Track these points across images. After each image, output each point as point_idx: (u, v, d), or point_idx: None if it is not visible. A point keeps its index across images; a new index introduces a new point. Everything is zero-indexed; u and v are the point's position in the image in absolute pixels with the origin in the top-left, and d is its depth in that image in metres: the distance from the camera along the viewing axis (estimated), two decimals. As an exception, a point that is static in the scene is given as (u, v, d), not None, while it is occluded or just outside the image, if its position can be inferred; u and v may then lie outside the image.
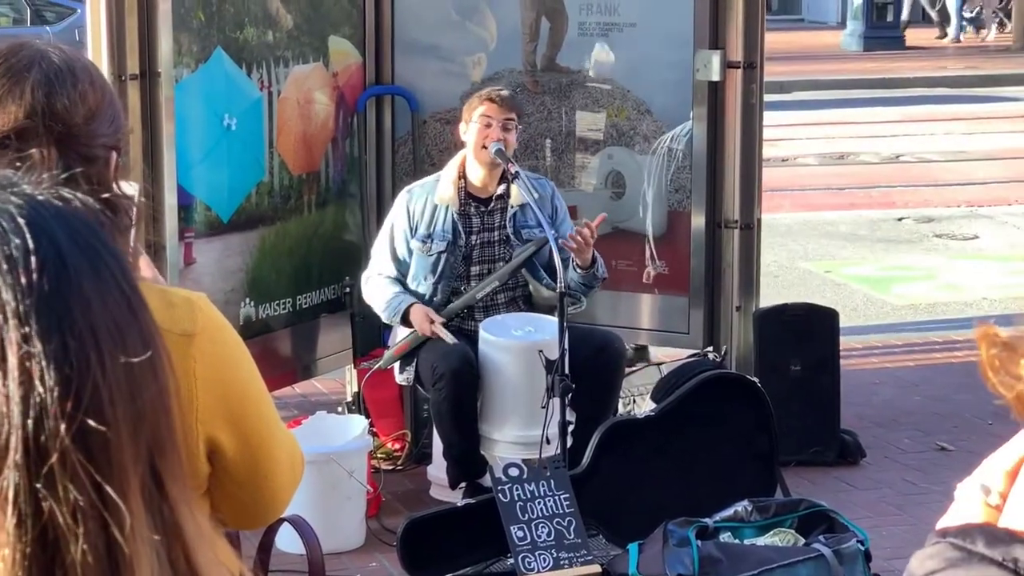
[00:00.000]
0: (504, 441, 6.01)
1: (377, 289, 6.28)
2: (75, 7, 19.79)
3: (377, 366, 6.37)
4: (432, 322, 6.10)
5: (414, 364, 6.19)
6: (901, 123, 18.43)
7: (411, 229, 6.25)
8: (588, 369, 5.79)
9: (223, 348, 2.20)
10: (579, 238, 5.96)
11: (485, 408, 6.08)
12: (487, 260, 6.30)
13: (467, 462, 6.08)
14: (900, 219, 12.84)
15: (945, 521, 1.31)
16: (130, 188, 2.26)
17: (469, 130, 6.19)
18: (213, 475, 2.22)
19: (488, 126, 6.15)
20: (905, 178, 14.78)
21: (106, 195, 2.16)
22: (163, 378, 1.12)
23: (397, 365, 6.29)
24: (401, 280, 6.28)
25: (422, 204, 6.25)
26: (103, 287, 1.10)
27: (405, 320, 6.17)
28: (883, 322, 9.53)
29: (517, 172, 6.11)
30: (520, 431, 5.98)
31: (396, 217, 6.29)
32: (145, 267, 2.39)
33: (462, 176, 6.26)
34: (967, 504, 1.32)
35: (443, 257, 6.23)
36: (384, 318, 6.29)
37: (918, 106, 19.85)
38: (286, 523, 2.95)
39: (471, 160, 6.24)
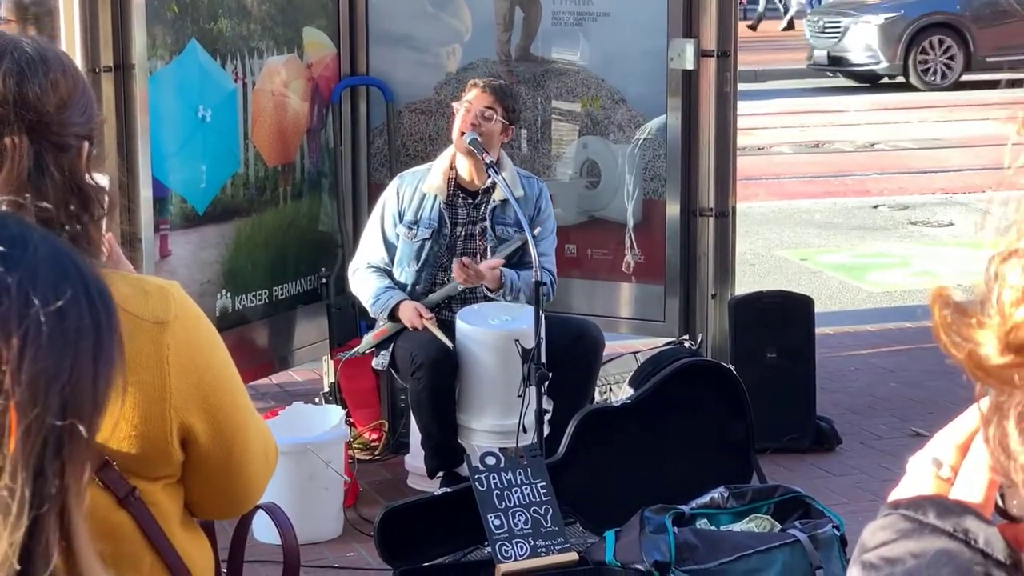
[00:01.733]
0: (481, 430, 6.02)
1: (364, 282, 6.26)
2: None
3: (355, 351, 6.38)
4: (422, 316, 6.08)
5: (390, 349, 6.19)
6: (875, 111, 18.49)
7: (399, 214, 6.25)
8: (565, 358, 5.80)
9: (196, 336, 2.21)
10: (467, 271, 5.97)
11: (462, 397, 6.08)
12: (469, 252, 6.29)
13: (445, 451, 6.08)
14: (875, 207, 12.88)
15: (897, 493, 1.32)
16: (103, 179, 2.26)
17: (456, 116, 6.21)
18: (187, 463, 2.23)
19: (467, 112, 6.15)
20: (880, 166, 14.83)
21: (78, 184, 2.17)
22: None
23: (371, 340, 6.30)
24: (388, 271, 6.26)
25: (411, 191, 6.24)
26: None
27: (393, 316, 6.14)
28: (858, 309, 9.56)
29: (491, 163, 6.10)
30: (497, 420, 5.99)
31: (387, 201, 6.30)
32: (116, 256, 2.39)
33: (453, 166, 6.26)
34: (919, 477, 1.34)
35: (427, 245, 6.23)
36: (372, 312, 6.26)
37: (892, 94, 19.91)
38: (262, 513, 2.94)
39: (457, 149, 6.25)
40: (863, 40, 20.73)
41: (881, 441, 6.85)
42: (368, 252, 6.32)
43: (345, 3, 7.21)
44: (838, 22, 21.10)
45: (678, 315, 6.85)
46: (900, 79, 20.52)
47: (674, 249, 6.83)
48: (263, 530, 5.17)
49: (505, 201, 6.19)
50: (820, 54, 20.89)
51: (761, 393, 6.27)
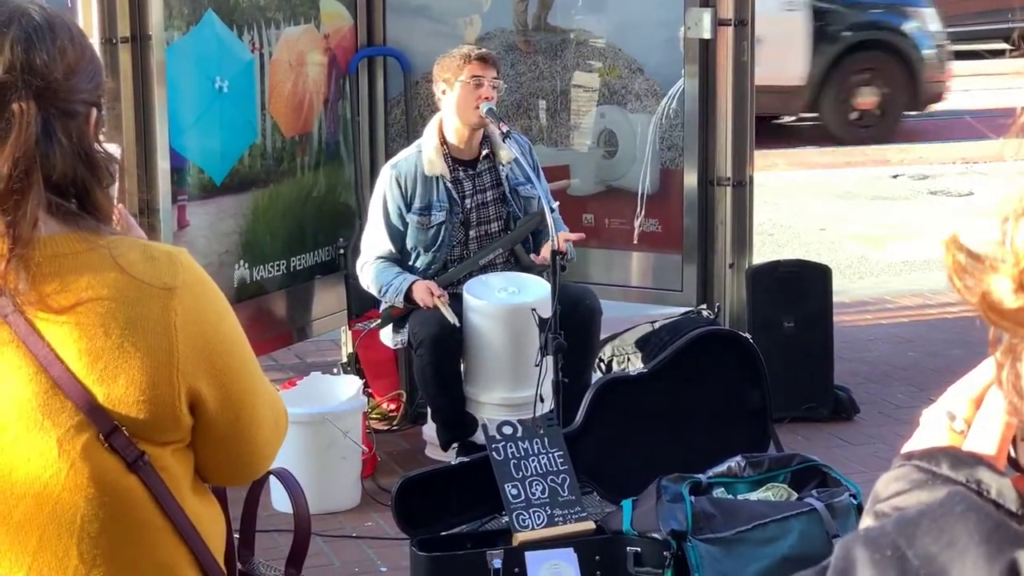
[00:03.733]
0: (490, 403, 6.03)
1: (374, 274, 6.20)
2: None
3: (374, 325, 6.38)
4: (433, 294, 6.06)
5: (406, 329, 6.18)
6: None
7: (406, 204, 6.20)
8: (564, 325, 5.76)
9: (204, 302, 2.21)
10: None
11: (471, 371, 6.09)
12: (484, 222, 6.29)
13: (456, 424, 6.10)
14: (895, 176, 12.85)
15: (910, 446, 1.33)
16: (113, 147, 2.27)
17: (455, 91, 6.15)
18: (196, 428, 2.23)
19: (479, 86, 6.12)
20: (899, 135, 14.78)
21: (86, 151, 2.18)
22: None
23: (390, 328, 6.28)
24: (398, 259, 6.24)
25: (412, 177, 6.19)
26: None
27: (408, 299, 6.12)
28: (877, 278, 9.54)
29: (508, 131, 6.10)
30: (506, 393, 5.99)
31: (387, 195, 6.21)
32: (128, 223, 2.40)
33: (443, 142, 6.23)
34: (932, 430, 1.34)
35: (443, 227, 6.20)
36: (386, 300, 6.22)
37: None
38: (278, 483, 2.96)
39: (454, 122, 6.19)
40: None
41: (899, 410, 6.84)
42: (374, 246, 6.26)
43: (362, -27, 7.20)
44: None
45: (696, 284, 6.84)
46: None
47: (692, 218, 6.82)
48: (280, 499, 5.19)
49: (511, 162, 6.20)
50: None
51: (778, 362, 6.27)
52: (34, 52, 2.14)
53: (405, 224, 6.20)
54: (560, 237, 5.83)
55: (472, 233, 6.28)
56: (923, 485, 1.24)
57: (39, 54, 2.14)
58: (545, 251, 5.85)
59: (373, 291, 6.25)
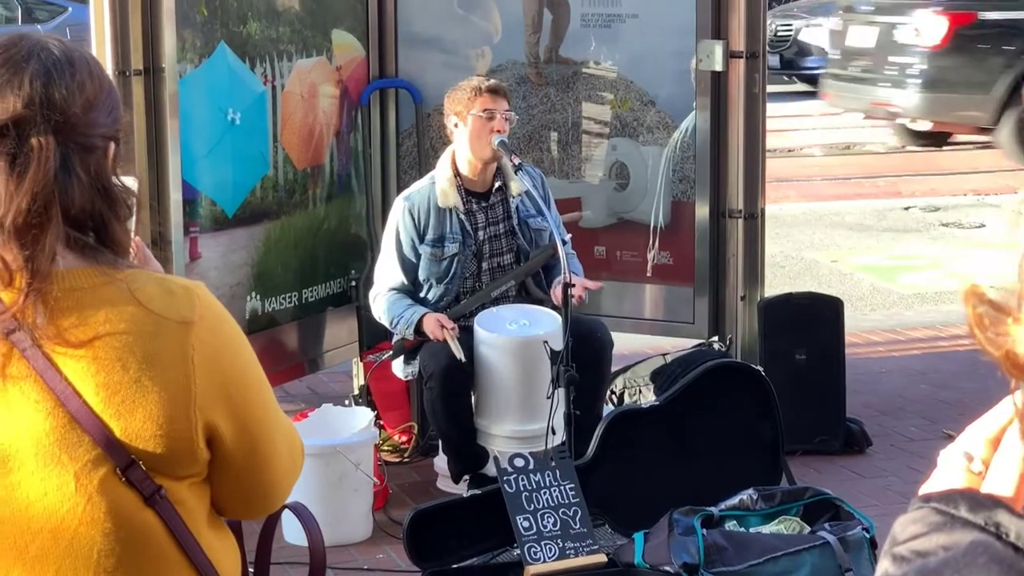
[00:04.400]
0: (501, 436, 6.02)
1: (386, 305, 6.19)
2: (66, 5, 19.90)
3: (385, 357, 6.37)
4: (443, 327, 6.04)
5: (417, 361, 6.18)
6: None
7: (419, 236, 6.21)
8: (576, 358, 5.75)
9: (221, 336, 2.22)
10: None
11: (481, 403, 6.09)
12: (496, 254, 6.30)
13: (466, 456, 6.10)
14: (906, 208, 12.85)
15: (928, 487, 1.32)
16: (130, 180, 2.28)
17: (467, 125, 6.16)
18: (212, 462, 2.24)
19: (492, 118, 6.13)
20: (911, 167, 14.79)
21: (104, 185, 2.19)
22: None
23: (401, 360, 6.28)
24: (411, 292, 6.24)
25: (425, 209, 6.20)
26: None
27: (419, 331, 6.10)
28: (889, 311, 9.54)
29: (520, 164, 6.11)
30: (518, 425, 5.99)
31: (400, 226, 6.21)
32: (145, 257, 2.41)
33: (457, 174, 6.24)
34: (950, 471, 1.33)
35: (456, 259, 6.21)
36: (397, 332, 6.21)
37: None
38: (292, 516, 2.96)
39: (466, 155, 6.20)
40: (815, 43, 20.61)
41: (912, 443, 6.83)
42: (387, 278, 6.25)
43: (374, 5, 7.22)
44: (789, 25, 21.01)
45: (707, 317, 6.84)
46: None
47: (703, 251, 6.83)
48: (293, 532, 5.19)
49: (522, 195, 6.21)
50: (772, 59, 20.53)
51: (791, 395, 6.27)
52: (53, 87, 2.15)
53: (418, 256, 6.21)
54: (579, 285, 5.82)
55: (484, 265, 6.29)
56: (941, 528, 1.23)
57: (58, 89, 2.15)
58: (558, 290, 5.83)
59: (385, 322, 6.25)
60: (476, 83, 6.23)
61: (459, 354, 5.93)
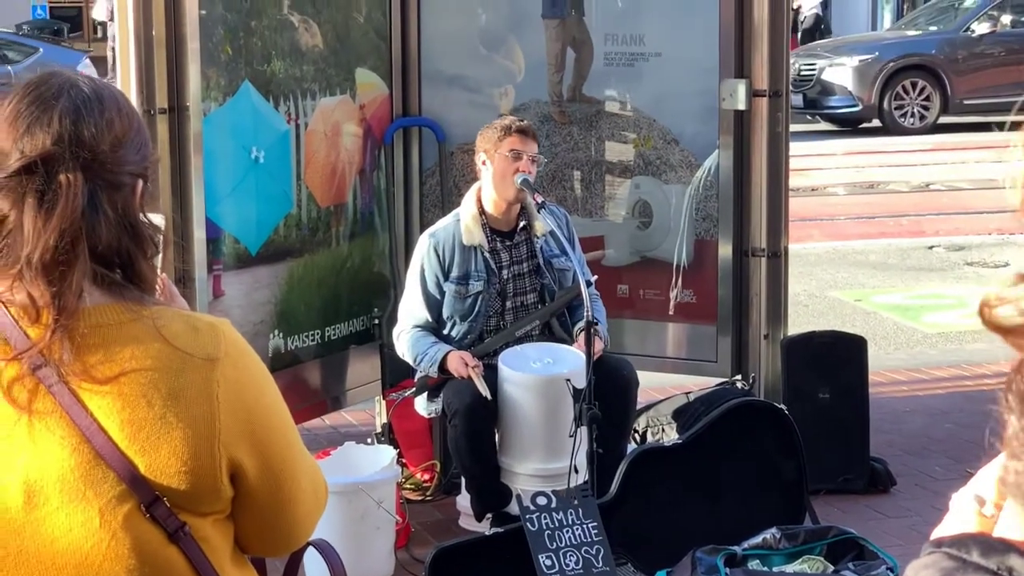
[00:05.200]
0: (525, 474, 6.01)
1: (410, 343, 6.21)
2: (38, 46, 20.08)
3: (408, 394, 6.38)
4: (468, 365, 6.05)
5: (440, 399, 6.18)
6: (931, 152, 18.42)
7: (443, 273, 6.23)
8: (601, 396, 5.75)
9: (246, 373, 2.23)
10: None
11: (505, 441, 6.08)
12: (520, 293, 6.31)
13: (490, 494, 6.09)
14: (930, 247, 12.83)
15: (940, 531, 1.32)
16: (157, 218, 2.29)
17: (493, 163, 6.18)
18: (236, 499, 2.24)
19: (518, 159, 6.15)
20: (935, 206, 14.78)
21: (132, 223, 2.20)
22: None
23: (424, 397, 6.28)
24: (435, 329, 6.26)
25: (450, 247, 6.22)
26: None
27: (443, 368, 6.11)
28: (913, 350, 9.52)
29: (543, 203, 6.12)
30: (541, 464, 5.98)
31: (425, 263, 6.24)
32: (171, 294, 2.42)
33: (482, 212, 6.26)
34: (962, 514, 1.33)
35: (480, 297, 6.22)
36: (421, 370, 6.22)
37: (948, 135, 19.83)
38: (313, 553, 2.96)
39: (491, 193, 6.22)
40: (838, 82, 20.67)
41: (936, 483, 6.81)
42: (412, 315, 6.27)
43: (398, 44, 7.26)
44: (812, 64, 21.07)
45: (730, 355, 6.84)
46: (876, 122, 20.46)
47: (726, 289, 6.83)
48: (316, 569, 5.18)
49: (546, 235, 6.23)
50: (795, 97, 20.46)
51: (814, 434, 6.26)
52: (82, 124, 2.17)
53: (442, 293, 6.22)
54: (596, 345, 5.81)
55: (508, 304, 6.30)
56: (954, 573, 1.23)
57: (87, 126, 2.17)
58: (581, 338, 5.82)
59: (408, 360, 6.26)
60: (508, 123, 6.26)
61: (485, 391, 5.94)
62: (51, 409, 2.15)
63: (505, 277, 6.28)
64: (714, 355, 6.90)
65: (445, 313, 6.25)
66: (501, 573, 5.32)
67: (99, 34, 26.04)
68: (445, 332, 6.25)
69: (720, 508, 5.67)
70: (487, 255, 6.22)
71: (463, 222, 6.22)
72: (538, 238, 6.29)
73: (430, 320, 6.23)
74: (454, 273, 6.21)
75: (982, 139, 18.77)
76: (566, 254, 6.20)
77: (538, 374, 5.98)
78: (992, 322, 1.20)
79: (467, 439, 5.99)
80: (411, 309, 6.28)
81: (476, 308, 6.23)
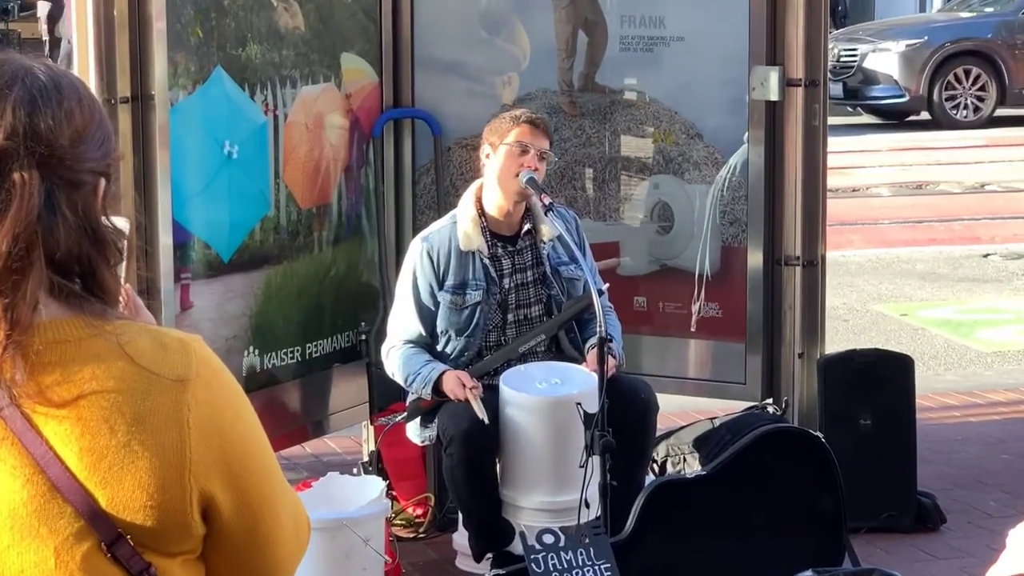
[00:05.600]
0: (530, 508, 6.00)
1: (401, 360, 6.21)
2: None
3: (399, 419, 6.38)
4: (465, 386, 6.04)
5: (435, 425, 6.18)
6: (986, 148, 18.43)
7: (438, 282, 6.23)
8: (615, 421, 5.74)
9: (220, 395, 2.22)
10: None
11: (508, 471, 6.07)
12: (523, 305, 6.30)
13: (490, 532, 6.08)
14: (985, 255, 12.84)
15: (997, 569, 1.33)
16: (121, 221, 2.29)
17: (497, 156, 6.19)
18: (208, 537, 2.24)
19: (524, 152, 6.15)
20: (991, 210, 14.79)
21: (93, 226, 2.20)
22: None
23: (417, 422, 6.28)
24: (429, 345, 6.25)
25: (445, 252, 6.21)
26: None
27: (437, 390, 6.10)
28: (966, 371, 9.52)
29: (551, 204, 6.13)
30: (548, 496, 5.97)
31: (417, 270, 6.24)
32: (136, 307, 2.42)
33: (482, 213, 6.27)
34: (1019, 552, 1.34)
35: (479, 308, 6.21)
36: (413, 391, 6.22)
37: (1006, 129, 19.83)
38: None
39: (494, 191, 6.22)
40: (883, 70, 20.63)
41: (991, 520, 6.82)
42: (403, 329, 6.27)
43: (388, 27, 7.27)
44: (854, 50, 21.01)
45: (760, 376, 6.84)
46: (925, 115, 20.43)
47: (756, 302, 6.83)
48: (293, 615, 5.18)
49: (553, 239, 6.22)
50: (835, 87, 20.35)
51: (854, 465, 6.27)
52: (38, 116, 2.16)
53: (436, 304, 6.21)
54: (609, 365, 5.80)
55: (510, 317, 6.30)
56: None
57: (44, 118, 2.16)
58: (592, 355, 5.83)
59: (399, 379, 6.26)
60: (518, 113, 6.28)
61: (482, 414, 5.93)
62: (1, 436, 2.15)
63: (507, 286, 6.28)
64: (742, 376, 6.90)
65: (439, 327, 6.24)
66: (503, 620, 5.33)
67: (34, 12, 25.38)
68: (440, 348, 6.24)
69: (748, 548, 5.67)
70: (486, 261, 6.22)
71: (460, 225, 6.23)
72: (544, 244, 6.29)
73: (423, 334, 6.23)
74: (449, 281, 6.21)
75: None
76: (576, 261, 6.19)
77: (544, 395, 5.98)
78: None
79: (465, 469, 5.98)
80: (402, 322, 6.28)
81: (474, 321, 6.23)
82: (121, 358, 2.17)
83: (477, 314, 6.22)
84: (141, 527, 2.17)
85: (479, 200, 6.25)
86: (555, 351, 6.34)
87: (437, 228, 6.32)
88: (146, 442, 2.15)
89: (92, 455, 2.14)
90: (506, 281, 6.28)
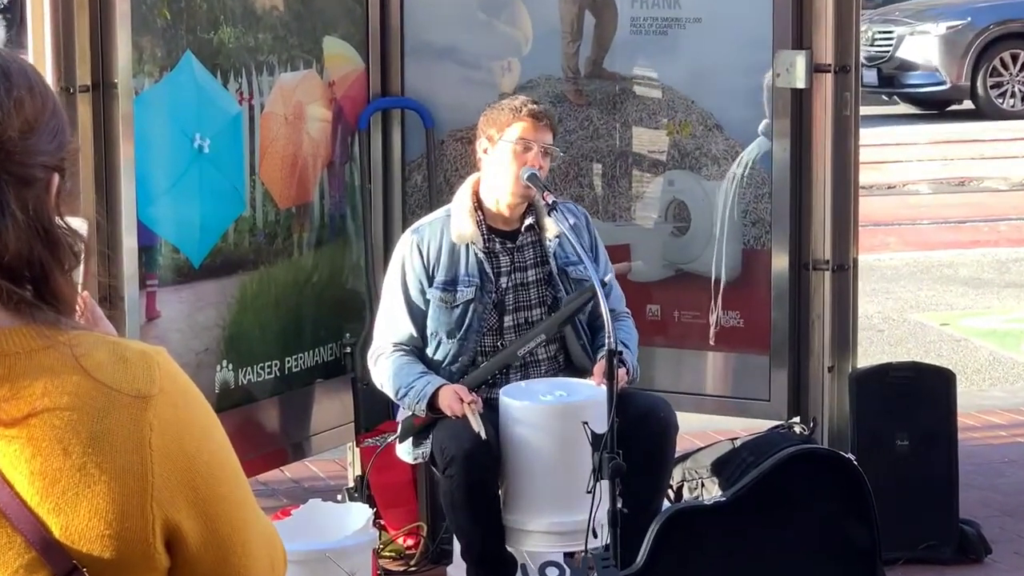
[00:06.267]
0: (537, 531, 6.00)
1: (392, 370, 6.19)
2: None
3: (391, 439, 6.37)
4: (463, 401, 6.02)
5: (430, 440, 6.17)
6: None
7: (428, 277, 6.22)
8: (631, 441, 5.73)
9: (186, 413, 2.22)
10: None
11: (511, 493, 6.06)
12: (523, 307, 6.29)
13: (491, 563, 6.07)
14: (1034, 259, 12.85)
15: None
16: (77, 222, 2.29)
17: (497, 150, 6.19)
18: (174, 570, 2.24)
19: (527, 149, 6.15)
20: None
21: (45, 227, 2.20)
22: None
23: (409, 440, 6.27)
24: (420, 349, 6.25)
25: (437, 245, 6.22)
26: None
27: (432, 406, 6.08)
28: (1013, 386, 9.52)
29: (555, 203, 6.12)
30: (556, 517, 5.97)
31: (407, 264, 6.24)
32: (94, 316, 2.42)
33: (478, 207, 6.27)
34: None
35: (471, 307, 6.20)
36: (405, 406, 6.20)
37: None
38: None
39: (492, 190, 6.22)
40: (921, 55, 20.62)
41: (1040, 551, 6.83)
42: (391, 331, 6.26)
43: (376, 9, 7.26)
44: (889, 33, 21.00)
45: (786, 392, 6.84)
46: (968, 104, 20.43)
47: (781, 311, 6.83)
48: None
49: (559, 236, 6.21)
50: (869, 73, 20.21)
51: (890, 490, 6.27)
52: (-15, 105, 2.17)
53: (427, 302, 6.21)
54: (619, 376, 5.78)
55: (508, 320, 6.29)
56: None
57: (-10, 108, 2.17)
58: (599, 369, 5.82)
59: (387, 391, 6.24)
60: (518, 103, 6.26)
61: (478, 427, 5.92)
62: (-56, 458, 2.15)
63: (504, 286, 6.26)
64: (766, 392, 6.90)
65: (429, 328, 6.23)
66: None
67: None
68: (431, 352, 6.22)
69: (773, 581, 5.67)
70: (480, 255, 6.21)
71: (454, 217, 6.22)
72: (550, 241, 6.27)
73: (414, 335, 6.22)
74: (440, 277, 6.20)
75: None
76: (584, 262, 6.16)
77: (549, 405, 5.97)
78: None
79: (466, 493, 5.96)
80: (390, 322, 6.27)
81: (466, 322, 6.21)
82: (76, 372, 2.17)
83: (469, 314, 6.20)
84: (98, 559, 2.16)
85: (476, 193, 6.25)
86: (564, 362, 6.32)
87: (429, 220, 6.32)
88: (103, 465, 2.14)
89: (44, 479, 2.13)
90: (503, 280, 6.26)
